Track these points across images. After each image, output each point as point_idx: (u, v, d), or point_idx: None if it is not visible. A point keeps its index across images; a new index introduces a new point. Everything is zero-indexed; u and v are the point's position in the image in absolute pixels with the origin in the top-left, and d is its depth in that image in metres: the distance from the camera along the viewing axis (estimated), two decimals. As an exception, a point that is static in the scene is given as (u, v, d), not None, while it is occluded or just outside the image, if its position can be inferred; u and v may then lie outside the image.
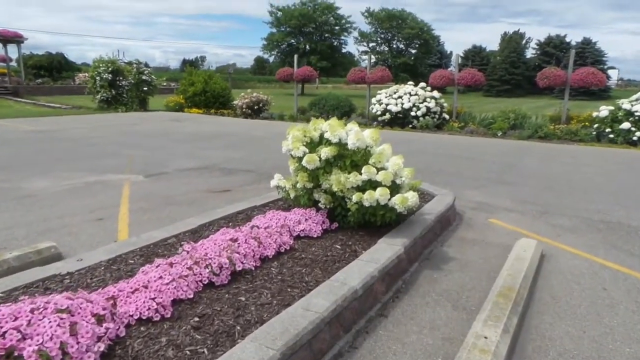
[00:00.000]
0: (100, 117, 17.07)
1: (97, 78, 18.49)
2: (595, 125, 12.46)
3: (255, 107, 18.28)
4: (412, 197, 3.81)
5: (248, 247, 3.22)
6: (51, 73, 36.29)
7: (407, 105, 14.61)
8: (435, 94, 14.83)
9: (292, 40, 50.65)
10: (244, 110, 18.21)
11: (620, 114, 11.95)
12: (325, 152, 3.89)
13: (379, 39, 55.92)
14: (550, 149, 11.08)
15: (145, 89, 19.68)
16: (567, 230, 5.02)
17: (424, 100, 14.66)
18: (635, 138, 11.53)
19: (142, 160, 8.64)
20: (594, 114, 12.77)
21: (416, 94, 14.73)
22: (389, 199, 3.77)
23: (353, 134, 3.81)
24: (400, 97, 14.93)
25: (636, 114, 11.62)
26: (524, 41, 56.66)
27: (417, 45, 54.58)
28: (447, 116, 14.90)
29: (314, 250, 3.60)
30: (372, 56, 54.51)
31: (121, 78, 18.81)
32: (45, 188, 6.40)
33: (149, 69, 19.92)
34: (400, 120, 14.88)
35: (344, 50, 55.50)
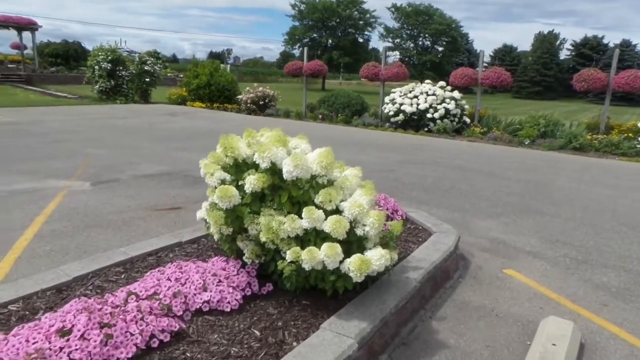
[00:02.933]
0: (93, 108, 16.08)
1: (96, 67, 17.51)
2: (641, 137, 10.73)
3: (261, 103, 17.02)
4: (378, 259, 2.44)
5: (82, 348, 1.91)
6: (67, 61, 35.88)
7: (423, 106, 13.09)
8: (456, 94, 13.26)
9: (315, 35, 49.28)
10: (248, 105, 16.98)
11: (672, 124, 10.18)
12: (251, 182, 2.55)
13: (404, 34, 53.91)
14: (587, 165, 9.44)
15: (147, 79, 18.62)
16: (617, 295, 3.55)
17: (443, 101, 13.12)
18: (689, 154, 9.77)
19: (101, 162, 7.45)
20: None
21: (434, 94, 13.20)
22: (342, 261, 2.42)
23: (290, 158, 2.46)
24: (416, 96, 13.43)
25: (692, 125, 9.85)
26: (558, 42, 53.81)
27: (444, 43, 52.42)
28: (468, 120, 13.31)
29: (214, 341, 2.27)
30: (397, 52, 52.91)
31: (121, 68, 17.78)
32: (-42, 196, 5.26)
33: (152, 59, 18.80)
34: (415, 122, 13.39)
35: (369, 47, 53.87)
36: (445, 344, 2.77)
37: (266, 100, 17.15)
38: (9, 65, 32.40)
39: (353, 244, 2.59)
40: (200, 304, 2.46)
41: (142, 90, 18.67)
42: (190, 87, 18.46)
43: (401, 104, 13.47)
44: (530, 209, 5.80)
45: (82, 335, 1.97)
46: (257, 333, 2.36)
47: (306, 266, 2.40)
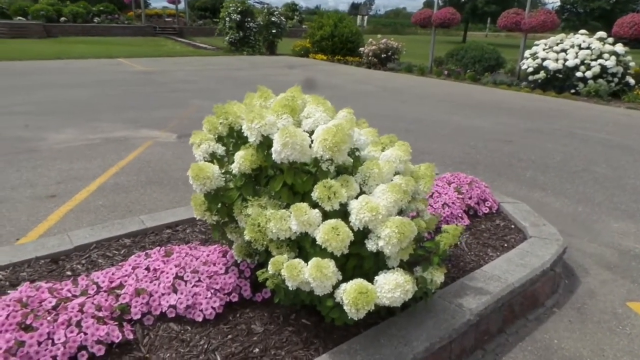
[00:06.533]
0: (219, 59, 16.67)
1: (227, 19, 18.03)
2: None
3: (383, 56, 15.91)
4: (390, 291, 1.67)
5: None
6: (215, 14, 38.14)
7: (571, 62, 10.80)
8: (619, 48, 10.64)
9: (458, -20, 44.79)
10: (369, 58, 16.02)
11: None
12: (239, 160, 1.93)
13: (569, -24, 46.08)
14: None
15: (274, 31, 18.67)
16: None
17: (599, 57, 10.65)
18: None
19: (199, 114, 7.41)
20: None
21: (588, 47, 10.77)
22: (336, 286, 1.70)
23: (278, 133, 1.75)
24: (564, 50, 11.12)
25: None
26: None
27: (620, -15, 43.60)
28: (632, 80, 10.66)
29: (162, 363, 1.78)
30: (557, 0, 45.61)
31: (250, 19, 18.03)
32: (60, 142, 5.62)
33: (279, 9, 18.75)
34: (559, 82, 11.16)
35: (522, -8, 47.40)
36: (497, 414, 1.92)
37: (389, 53, 15.98)
38: (166, 19, 35.77)
39: (365, 259, 1.84)
40: (166, 309, 1.98)
41: (269, 42, 18.84)
42: (314, 38, 18.08)
43: (544, 59, 11.29)
44: (697, 210, 4.20)
45: (-9, 339, 1.62)
46: (220, 362, 1.81)
47: (290, 284, 1.74)
